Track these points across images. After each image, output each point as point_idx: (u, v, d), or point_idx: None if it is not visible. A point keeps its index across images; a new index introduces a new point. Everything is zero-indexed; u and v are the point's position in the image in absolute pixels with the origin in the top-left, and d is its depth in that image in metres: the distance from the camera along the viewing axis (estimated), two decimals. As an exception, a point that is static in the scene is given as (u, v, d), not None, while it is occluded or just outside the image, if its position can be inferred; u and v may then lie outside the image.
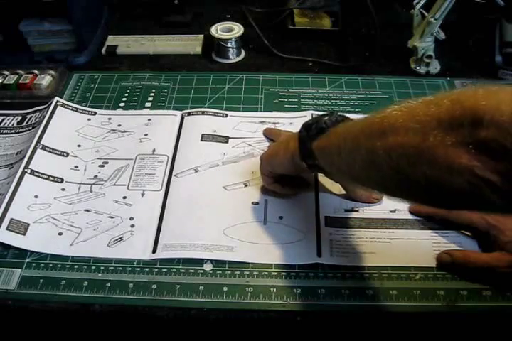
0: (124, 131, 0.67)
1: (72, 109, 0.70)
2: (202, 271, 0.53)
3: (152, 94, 0.74)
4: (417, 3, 0.71)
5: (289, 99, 0.72)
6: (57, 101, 0.70)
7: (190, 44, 0.84)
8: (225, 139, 0.66)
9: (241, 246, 0.55)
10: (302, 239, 0.55)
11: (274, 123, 0.68)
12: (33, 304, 0.51)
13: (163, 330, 0.53)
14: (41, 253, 0.54)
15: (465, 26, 0.81)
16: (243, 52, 0.83)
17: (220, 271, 0.53)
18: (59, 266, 0.53)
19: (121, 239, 0.55)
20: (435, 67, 0.77)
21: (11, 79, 0.74)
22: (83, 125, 0.68)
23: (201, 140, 0.66)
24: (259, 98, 0.73)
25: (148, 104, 0.72)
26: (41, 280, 0.52)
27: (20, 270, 0.53)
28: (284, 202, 0.59)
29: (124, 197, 0.59)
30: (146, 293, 0.51)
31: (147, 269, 0.53)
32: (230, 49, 0.80)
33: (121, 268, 0.53)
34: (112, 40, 0.85)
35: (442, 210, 0.54)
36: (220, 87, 0.75)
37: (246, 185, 0.61)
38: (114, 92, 0.74)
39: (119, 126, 0.68)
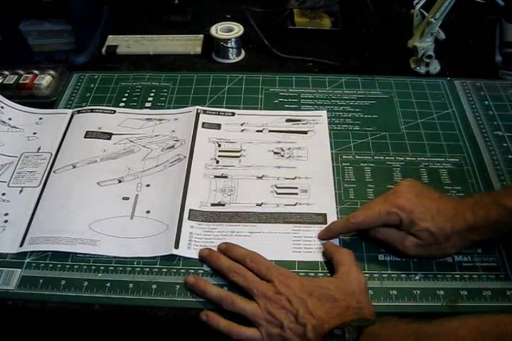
0: (14, 127, 0.67)
1: None
2: (202, 271, 0.53)
3: (152, 94, 0.73)
4: (417, 3, 0.71)
5: (289, 99, 0.72)
6: None
7: (190, 44, 0.84)
8: (108, 136, 0.66)
9: (104, 240, 0.55)
10: (164, 231, 0.55)
11: (160, 119, 0.69)
12: (33, 304, 0.51)
13: (163, 330, 0.53)
14: (42, 253, 0.54)
15: (465, 26, 0.81)
16: (243, 52, 0.83)
17: (220, 271, 0.53)
18: (59, 266, 0.53)
19: None
20: (435, 67, 0.77)
21: (11, 79, 0.73)
22: None
23: (85, 137, 0.66)
24: (259, 98, 0.73)
25: (148, 104, 0.72)
26: (41, 280, 0.52)
27: (20, 270, 0.53)
28: (154, 197, 0.59)
29: (3, 194, 0.60)
30: (146, 293, 0.51)
31: (147, 269, 0.53)
32: (230, 49, 0.80)
33: (121, 268, 0.53)
34: (111, 40, 0.85)
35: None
36: (220, 87, 0.74)
37: (120, 181, 0.61)
38: (114, 92, 0.74)
39: (10, 119, 0.68)
